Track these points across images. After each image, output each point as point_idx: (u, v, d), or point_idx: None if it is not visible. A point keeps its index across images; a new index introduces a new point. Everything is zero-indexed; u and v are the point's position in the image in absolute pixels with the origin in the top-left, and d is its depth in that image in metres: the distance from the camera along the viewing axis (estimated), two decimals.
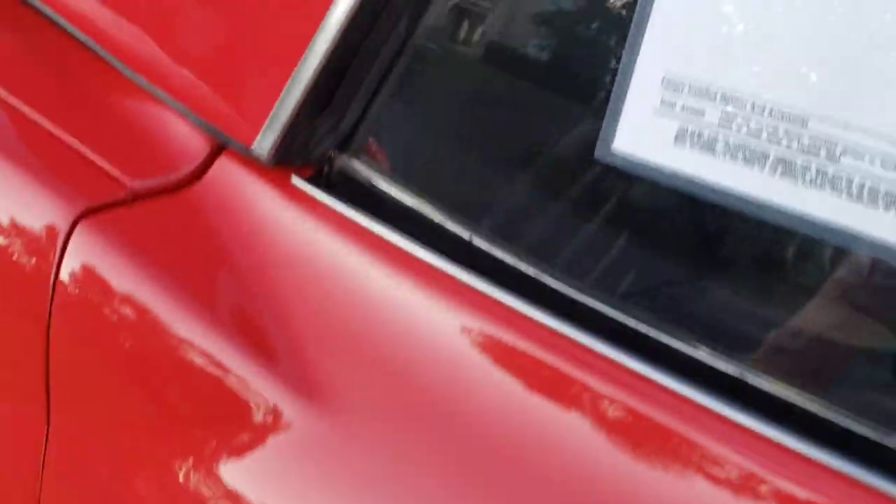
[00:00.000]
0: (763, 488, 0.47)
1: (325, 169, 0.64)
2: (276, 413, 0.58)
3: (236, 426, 0.58)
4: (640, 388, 0.51)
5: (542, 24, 0.63)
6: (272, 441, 0.58)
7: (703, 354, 0.52)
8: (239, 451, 0.58)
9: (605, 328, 0.53)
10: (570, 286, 0.56)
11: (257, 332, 0.60)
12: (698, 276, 0.58)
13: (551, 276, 0.57)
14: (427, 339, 0.56)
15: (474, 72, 0.63)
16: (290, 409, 0.57)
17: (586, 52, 0.61)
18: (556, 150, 0.62)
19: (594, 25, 0.61)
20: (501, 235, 0.60)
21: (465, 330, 0.56)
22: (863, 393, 0.52)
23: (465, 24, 0.61)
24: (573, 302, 0.55)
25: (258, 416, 0.58)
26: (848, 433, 0.47)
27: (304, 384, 0.57)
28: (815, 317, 0.53)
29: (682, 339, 0.52)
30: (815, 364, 0.54)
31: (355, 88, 0.59)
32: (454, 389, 0.55)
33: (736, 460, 0.48)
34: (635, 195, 0.60)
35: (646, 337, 0.53)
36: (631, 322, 0.53)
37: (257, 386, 0.58)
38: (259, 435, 0.58)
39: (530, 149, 0.63)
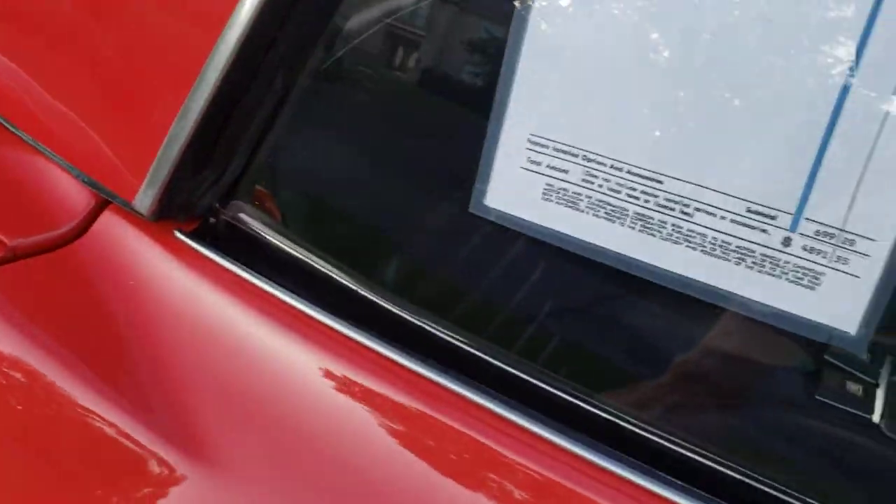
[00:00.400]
0: None
1: (211, 222, 0.63)
2: (165, 468, 0.57)
3: (131, 482, 0.58)
4: (535, 444, 0.52)
5: (425, 75, 0.63)
6: (164, 495, 0.57)
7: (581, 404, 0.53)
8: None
9: (499, 382, 0.54)
10: (460, 339, 0.57)
11: (140, 388, 0.59)
12: (588, 324, 0.60)
13: (439, 327, 0.58)
14: (310, 392, 0.57)
15: (356, 123, 0.63)
16: (175, 463, 0.57)
17: (471, 101, 0.62)
18: (442, 194, 0.63)
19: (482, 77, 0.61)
20: (390, 287, 0.61)
21: (350, 383, 0.56)
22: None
23: (344, 78, 0.62)
24: (463, 355, 0.56)
25: (148, 472, 0.58)
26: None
27: (186, 439, 0.57)
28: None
29: (570, 391, 0.54)
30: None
31: (235, 143, 0.60)
32: (339, 443, 0.56)
33: None
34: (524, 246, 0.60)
35: (548, 393, 0.54)
36: (537, 381, 0.54)
37: (144, 441, 0.58)
38: (153, 489, 0.57)
39: (417, 196, 0.63)
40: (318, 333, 0.58)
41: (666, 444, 0.51)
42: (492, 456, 0.51)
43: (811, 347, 0.54)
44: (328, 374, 0.57)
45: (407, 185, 0.63)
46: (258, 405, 0.57)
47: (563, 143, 0.51)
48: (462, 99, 0.60)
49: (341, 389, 0.56)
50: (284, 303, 0.59)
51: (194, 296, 0.61)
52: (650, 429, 0.52)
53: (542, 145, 0.51)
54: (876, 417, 0.49)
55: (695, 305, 0.52)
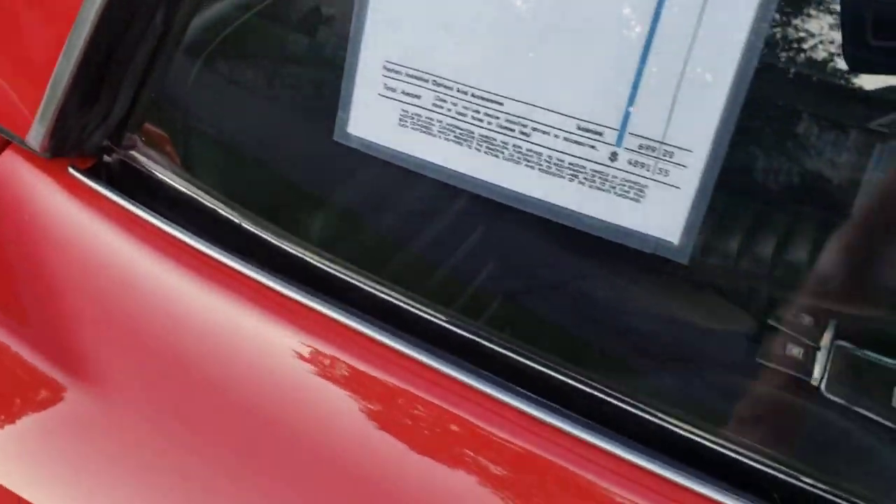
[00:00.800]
0: None
1: (106, 161, 0.66)
2: (50, 382, 0.60)
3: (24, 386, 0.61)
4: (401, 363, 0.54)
5: (316, 9, 0.65)
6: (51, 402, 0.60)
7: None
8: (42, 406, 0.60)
9: (370, 307, 0.57)
10: (337, 268, 0.59)
11: (28, 312, 0.62)
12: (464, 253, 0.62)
13: (326, 261, 0.60)
14: (195, 323, 0.59)
15: (241, 60, 0.65)
16: (56, 377, 0.60)
17: None
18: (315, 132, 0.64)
19: None
20: (273, 219, 0.63)
21: (238, 317, 0.58)
22: None
23: (226, 14, 0.64)
24: (344, 285, 0.58)
25: (34, 382, 0.60)
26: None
27: (70, 358, 0.59)
28: None
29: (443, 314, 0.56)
30: None
31: (119, 80, 0.62)
32: (223, 370, 0.58)
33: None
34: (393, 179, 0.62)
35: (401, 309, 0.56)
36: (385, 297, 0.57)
37: (29, 357, 0.61)
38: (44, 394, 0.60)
39: (307, 132, 0.65)
40: (209, 267, 0.60)
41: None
42: (372, 381, 0.54)
43: (753, 310, 0.55)
44: (215, 308, 0.59)
45: (300, 122, 0.66)
46: (142, 332, 0.60)
47: (415, 69, 0.53)
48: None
49: (228, 323, 0.58)
50: (175, 238, 0.61)
51: (86, 229, 0.63)
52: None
53: (397, 72, 0.53)
54: (815, 380, 0.50)
55: (636, 267, 0.54)
